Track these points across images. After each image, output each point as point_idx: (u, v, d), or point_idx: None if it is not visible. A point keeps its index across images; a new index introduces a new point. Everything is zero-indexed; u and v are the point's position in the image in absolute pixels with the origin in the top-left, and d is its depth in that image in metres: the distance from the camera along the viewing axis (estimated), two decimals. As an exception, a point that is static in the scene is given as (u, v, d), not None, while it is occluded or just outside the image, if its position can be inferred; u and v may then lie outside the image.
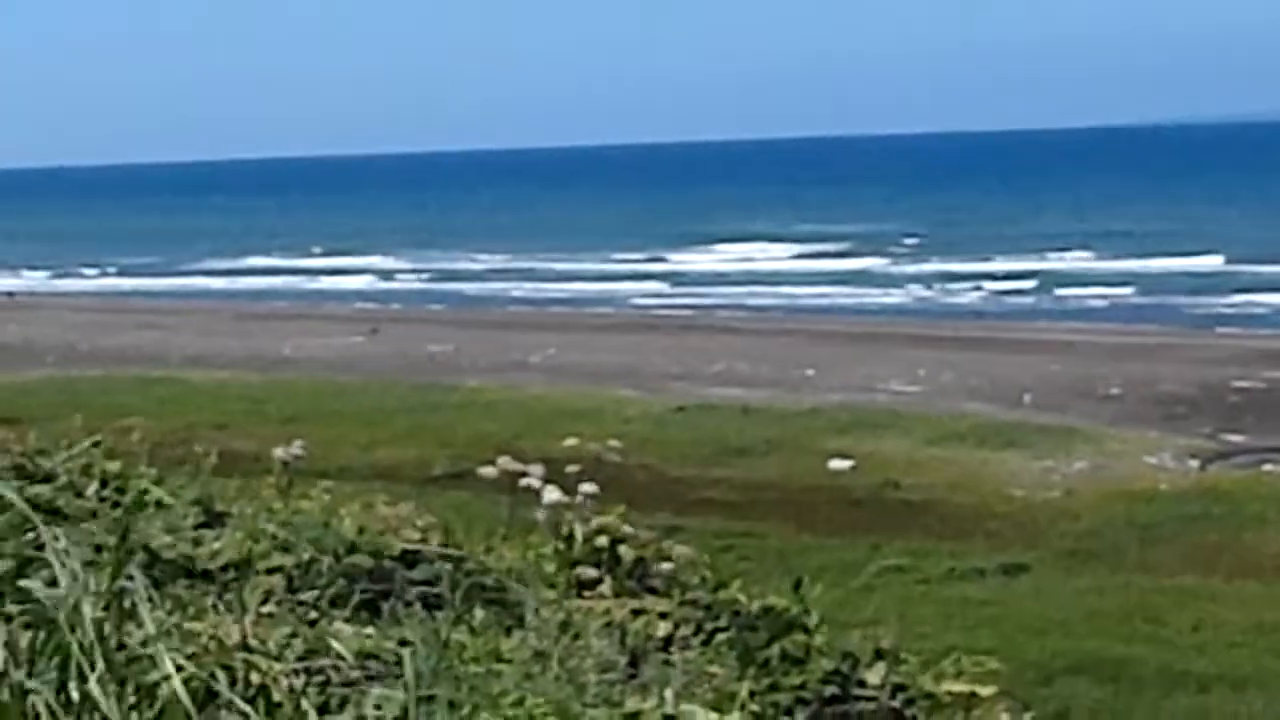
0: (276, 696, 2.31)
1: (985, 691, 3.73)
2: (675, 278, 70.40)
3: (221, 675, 2.23)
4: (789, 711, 3.24)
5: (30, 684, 2.08)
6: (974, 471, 27.94)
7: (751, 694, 3.11)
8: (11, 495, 2.48)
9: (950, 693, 3.66)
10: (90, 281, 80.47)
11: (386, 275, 75.84)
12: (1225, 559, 22.64)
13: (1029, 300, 59.59)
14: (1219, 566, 22.21)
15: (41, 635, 2.17)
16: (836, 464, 28.18)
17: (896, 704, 3.56)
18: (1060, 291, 59.89)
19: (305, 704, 2.31)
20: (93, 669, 2.11)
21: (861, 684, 3.59)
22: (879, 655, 3.68)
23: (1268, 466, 28.51)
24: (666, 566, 4.01)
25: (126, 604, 2.28)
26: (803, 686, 3.48)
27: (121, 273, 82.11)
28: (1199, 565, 22.29)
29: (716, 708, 3.04)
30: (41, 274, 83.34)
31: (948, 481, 27.28)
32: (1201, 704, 16.26)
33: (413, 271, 77.19)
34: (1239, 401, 34.37)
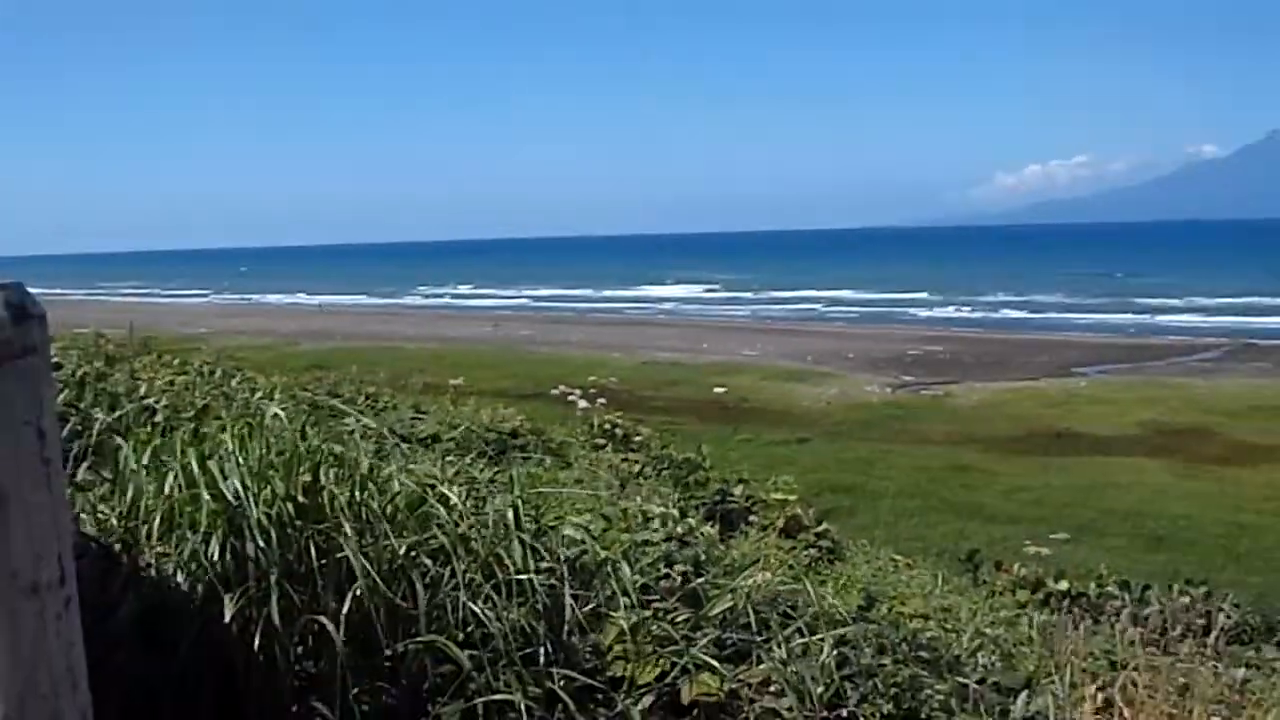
0: (452, 499, 3.96)
1: (791, 498, 6.40)
2: (643, 298, 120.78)
3: (426, 490, 4.30)
4: (697, 509, 5.66)
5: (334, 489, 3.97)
6: (784, 393, 45.94)
7: (679, 500, 5.51)
8: (328, 401, 4.42)
9: (774, 499, 6.26)
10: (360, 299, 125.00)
11: (501, 298, 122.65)
12: (903, 436, 38.16)
13: (816, 308, 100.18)
14: (900, 439, 37.47)
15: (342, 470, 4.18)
16: (718, 390, 46.28)
17: (749, 505, 6.20)
18: (830, 308, 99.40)
19: (461, 503, 3.96)
20: (365, 486, 4.07)
21: (732, 495, 6.21)
22: (740, 481, 6.35)
23: (924, 392, 47.11)
24: (639, 438, 6.60)
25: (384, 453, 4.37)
26: (704, 498, 6.02)
27: (378, 295, 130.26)
28: (891, 439, 37.58)
29: (663, 505, 5.46)
30: (342, 295, 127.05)
31: (771, 398, 45.04)
32: (890, 504, 27.59)
33: (514, 296, 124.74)
34: (909, 360, 56.94)
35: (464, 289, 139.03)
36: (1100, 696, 3.54)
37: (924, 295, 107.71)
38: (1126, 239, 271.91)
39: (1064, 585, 5.90)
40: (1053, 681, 3.48)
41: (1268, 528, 26.67)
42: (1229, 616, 5.60)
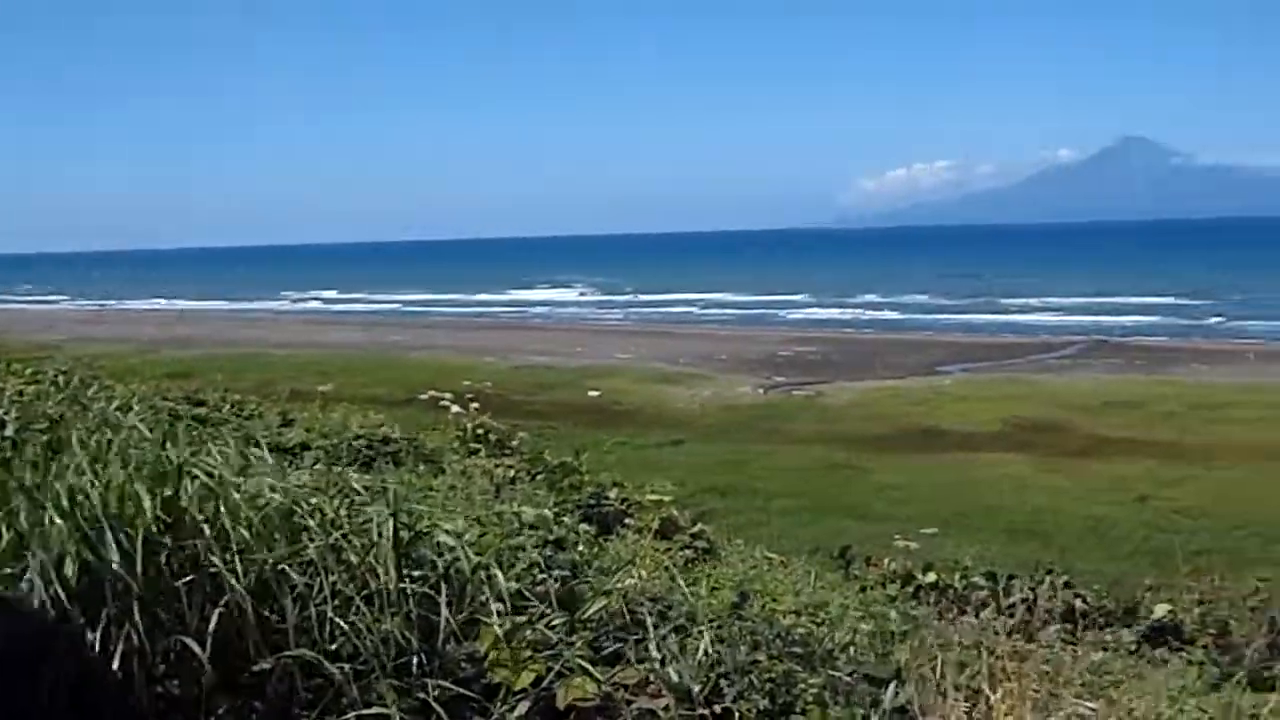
0: (323, 509, 3.80)
1: (666, 499, 6.45)
2: (517, 302, 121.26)
3: (295, 501, 4.22)
4: (572, 512, 5.65)
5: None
6: (658, 396, 46.41)
7: (554, 504, 5.50)
8: (191, 410, 4.27)
9: (649, 501, 6.30)
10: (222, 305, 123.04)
11: (372, 303, 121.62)
12: (775, 436, 38.89)
13: (691, 311, 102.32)
14: (773, 439, 38.24)
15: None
16: (592, 393, 46.45)
17: (624, 507, 6.23)
18: (704, 311, 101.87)
19: (335, 513, 3.82)
20: (231, 499, 3.93)
21: (607, 498, 6.23)
22: (615, 483, 6.37)
23: (796, 392, 47.86)
24: (513, 442, 6.55)
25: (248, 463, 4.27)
26: (578, 501, 6.01)
27: (241, 300, 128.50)
28: (765, 439, 38.33)
29: (537, 509, 5.44)
30: (204, 301, 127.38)
31: (645, 400, 45.36)
32: (764, 504, 29.20)
33: (385, 301, 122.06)
34: (780, 361, 58.08)
35: (330, 294, 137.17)
36: (968, 684, 3.63)
37: (795, 297, 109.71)
38: (988, 241, 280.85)
39: (932, 578, 6.07)
40: (921, 671, 3.56)
41: (1122, 518, 27.84)
42: (1087, 603, 5.83)
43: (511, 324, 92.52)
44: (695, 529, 6.89)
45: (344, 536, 3.57)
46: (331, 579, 3.40)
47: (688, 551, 6.44)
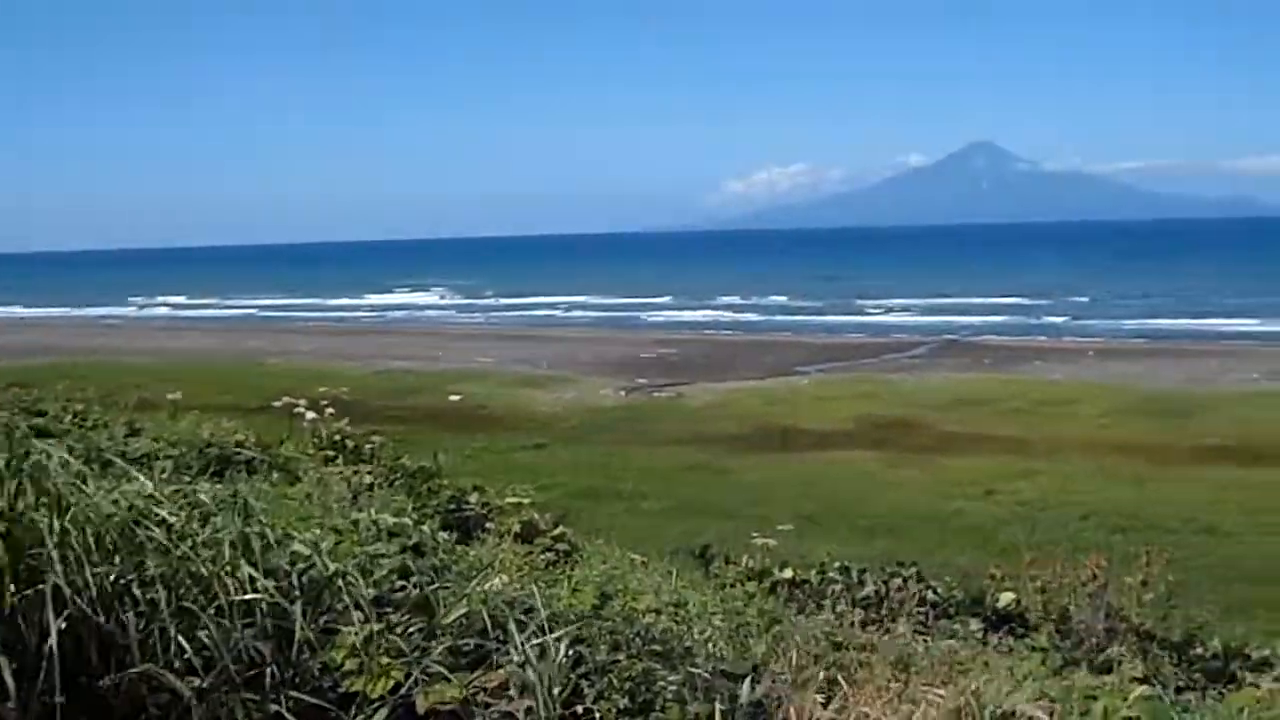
0: (170, 521, 3.57)
1: (526, 502, 6.44)
2: (376, 306, 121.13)
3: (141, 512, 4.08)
4: (432, 517, 5.60)
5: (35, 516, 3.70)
6: (520, 399, 46.55)
7: (413, 509, 5.44)
8: (28, 420, 4.10)
9: (510, 504, 6.29)
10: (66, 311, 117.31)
11: (225, 308, 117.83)
12: (638, 437, 39.19)
13: (553, 313, 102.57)
14: (635, 441, 38.57)
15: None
16: (454, 397, 46.48)
17: (485, 511, 6.20)
18: (567, 313, 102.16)
19: (181, 524, 3.56)
20: (71, 511, 3.81)
21: (468, 503, 6.19)
22: (476, 488, 6.33)
23: (658, 394, 48.46)
24: (370, 448, 6.41)
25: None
26: (438, 506, 5.96)
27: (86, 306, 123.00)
28: (627, 441, 38.63)
29: (396, 516, 5.39)
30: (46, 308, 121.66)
31: (508, 404, 45.41)
32: (627, 505, 29.26)
33: (239, 306, 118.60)
34: (643, 363, 58.67)
35: (179, 299, 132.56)
36: (824, 676, 3.71)
37: (658, 299, 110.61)
38: (842, 244, 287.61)
39: (789, 574, 6.20)
40: (778, 665, 3.64)
41: (971, 511, 28.86)
42: (937, 594, 6.04)
43: (370, 328, 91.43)
44: (557, 531, 6.89)
45: (192, 547, 3.48)
46: (179, 591, 3.31)
47: (549, 554, 6.44)
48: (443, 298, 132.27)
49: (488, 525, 6.63)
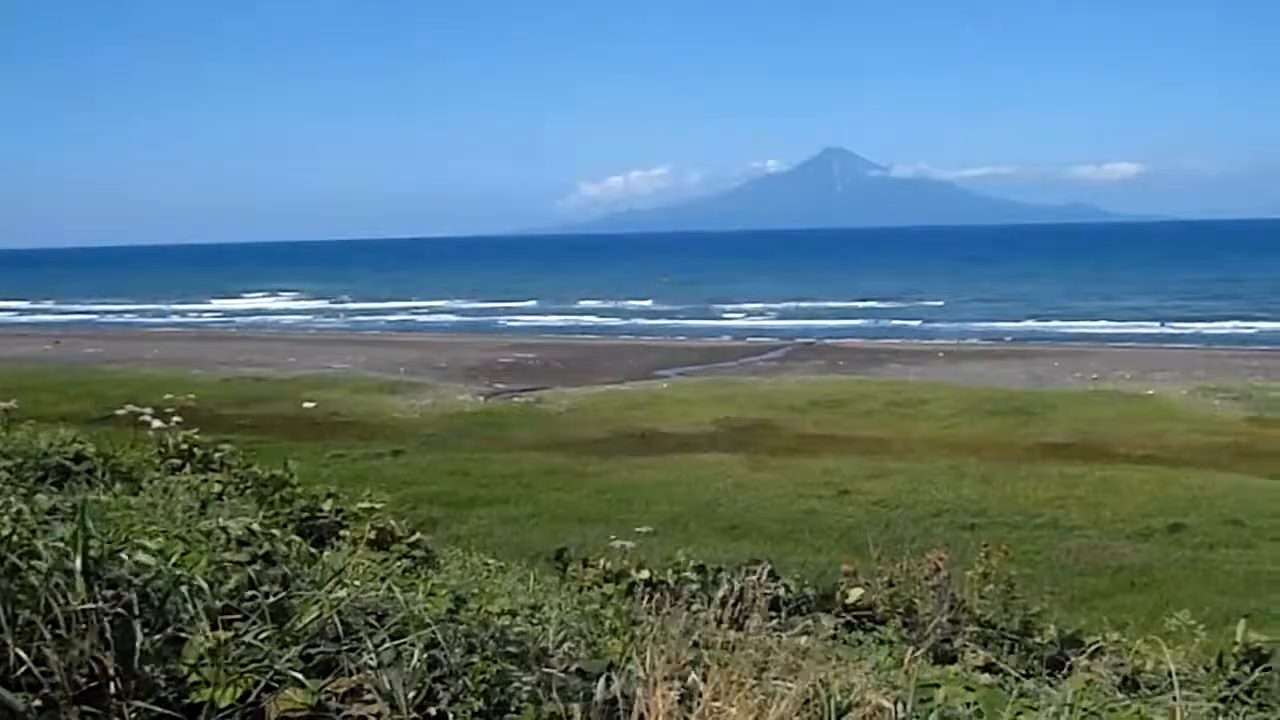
0: (4, 533, 3.79)
1: (379, 507, 6.39)
2: (225, 311, 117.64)
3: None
4: (284, 526, 5.51)
5: None
6: (376, 406, 45.80)
7: (265, 517, 5.34)
8: None
9: (364, 509, 6.22)
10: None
11: (62, 313, 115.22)
12: (496, 443, 39.05)
13: (409, 318, 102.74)
14: (494, 447, 38.38)
15: None
16: (307, 404, 45.48)
17: (339, 519, 6.12)
18: (423, 318, 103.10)
19: (15, 534, 3.79)
20: None
21: (321, 510, 6.09)
22: (330, 495, 6.24)
23: (516, 399, 48.52)
24: (219, 455, 6.23)
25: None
26: (290, 514, 5.85)
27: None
28: (486, 447, 38.43)
29: (247, 525, 5.30)
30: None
31: (364, 411, 44.58)
32: (486, 511, 29.42)
33: (78, 311, 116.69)
34: (500, 368, 58.55)
35: (20, 304, 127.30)
36: (677, 674, 3.78)
37: (516, 304, 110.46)
38: (702, 248, 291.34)
39: (646, 574, 6.28)
40: (633, 663, 3.70)
41: (826, 511, 29.50)
42: (790, 591, 6.20)
43: (219, 334, 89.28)
44: (413, 538, 6.84)
45: (23, 558, 3.37)
46: (12, 605, 3.20)
47: (405, 561, 6.39)
48: (295, 302, 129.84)
49: (342, 533, 6.54)
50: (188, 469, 6.88)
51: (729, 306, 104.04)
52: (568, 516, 28.71)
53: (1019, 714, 3.12)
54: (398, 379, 53.21)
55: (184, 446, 7.00)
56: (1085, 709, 3.44)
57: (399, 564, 6.06)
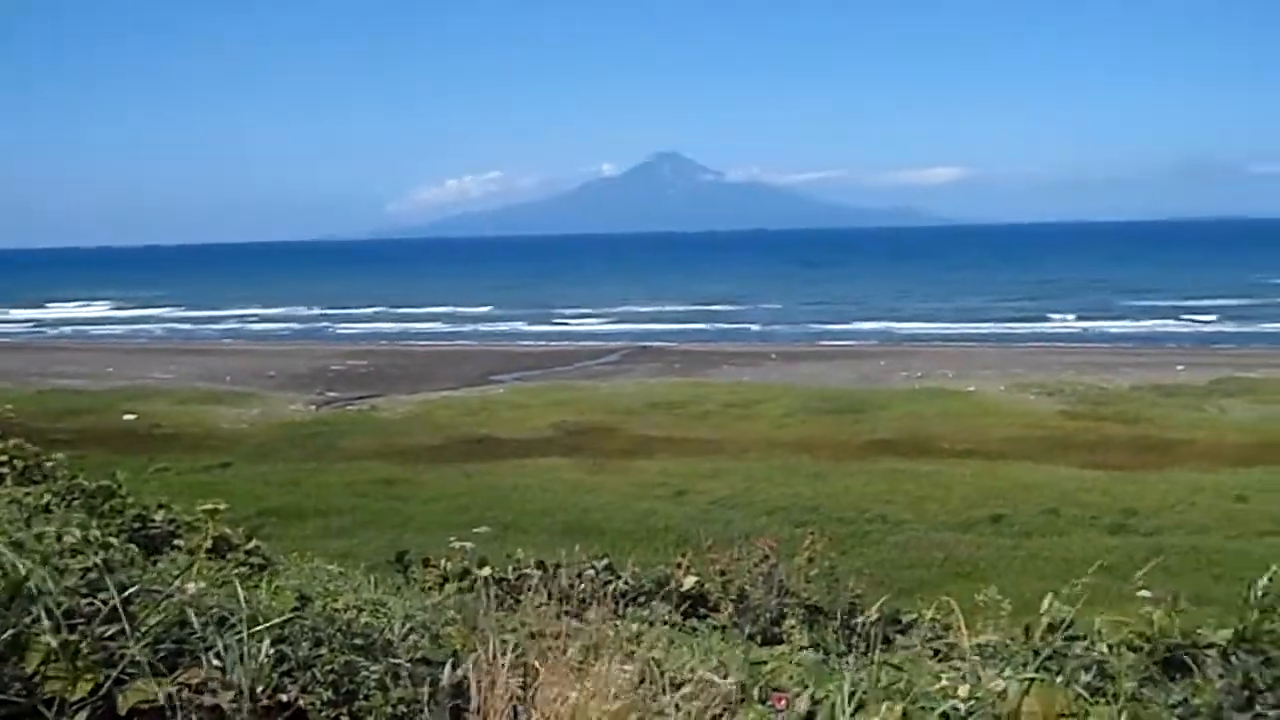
0: None
1: (221, 508, 6.42)
2: (36, 320, 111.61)
3: None
4: (117, 535, 5.48)
5: None
6: (203, 417, 44.61)
7: (96, 527, 5.31)
8: None
9: (207, 511, 6.24)
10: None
11: None
12: (330, 453, 38.63)
13: (235, 325, 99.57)
14: (327, 456, 37.98)
15: None
16: (128, 417, 44.22)
17: (173, 529, 6.11)
18: (250, 325, 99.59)
19: None
20: None
21: (154, 520, 6.08)
22: (161, 505, 6.22)
23: (349, 407, 47.80)
24: (48, 465, 6.11)
25: None
26: (121, 524, 5.81)
27: None
28: (319, 456, 38.04)
29: (80, 534, 5.28)
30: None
31: (189, 422, 43.31)
32: (322, 522, 29.11)
33: None
34: (333, 376, 57.85)
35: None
36: (520, 660, 3.98)
37: (347, 310, 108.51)
38: (536, 252, 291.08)
39: (488, 571, 6.45)
40: (476, 652, 3.88)
41: (665, 511, 30.04)
42: (627, 583, 6.47)
43: (31, 344, 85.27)
44: (250, 545, 6.84)
45: None
46: None
47: (244, 569, 6.39)
48: (116, 310, 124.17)
49: (177, 542, 6.50)
50: (9, 480, 6.70)
51: (565, 311, 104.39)
52: (406, 525, 28.54)
53: (835, 680, 3.43)
54: (225, 389, 51.74)
55: (4, 457, 6.80)
56: (894, 666, 3.78)
57: (237, 571, 6.06)
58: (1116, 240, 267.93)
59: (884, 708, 3.03)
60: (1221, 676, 3.24)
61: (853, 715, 3.03)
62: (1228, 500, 30.22)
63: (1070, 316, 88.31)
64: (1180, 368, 54.07)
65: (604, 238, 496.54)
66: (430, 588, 6.32)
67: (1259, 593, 3.36)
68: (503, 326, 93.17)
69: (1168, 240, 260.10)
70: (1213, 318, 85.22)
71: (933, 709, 3.03)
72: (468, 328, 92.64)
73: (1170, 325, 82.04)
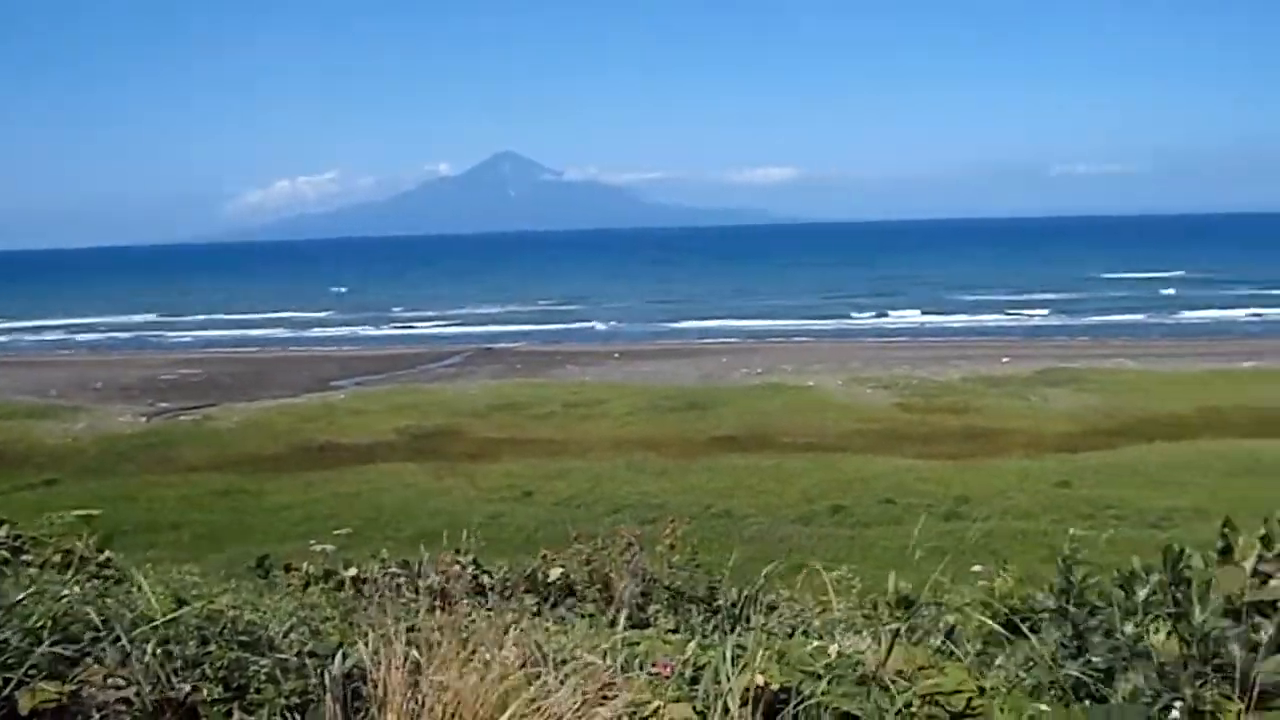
0: None
1: (85, 513, 6.33)
2: None
3: None
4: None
5: None
6: (22, 432, 42.50)
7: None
8: None
9: (80, 518, 6.17)
10: None
11: None
12: (164, 465, 37.50)
13: (56, 336, 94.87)
14: (161, 469, 36.86)
15: None
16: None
17: (17, 543, 5.99)
18: (73, 336, 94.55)
19: None
20: None
21: None
22: (2, 521, 6.06)
23: (183, 417, 46.56)
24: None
25: None
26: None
27: None
28: (152, 469, 36.91)
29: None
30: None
31: (11, 439, 41.25)
32: (157, 538, 27.86)
33: None
34: (164, 386, 56.11)
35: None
36: (401, 652, 4.13)
37: (178, 317, 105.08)
38: (375, 254, 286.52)
39: (354, 571, 6.51)
40: (357, 646, 4.01)
41: (512, 513, 30.19)
42: (493, 577, 6.62)
43: None
44: (102, 558, 6.74)
45: None
46: None
47: (97, 582, 6.31)
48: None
49: (24, 557, 6.35)
50: None
51: (406, 314, 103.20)
52: (248, 537, 27.93)
53: (715, 649, 3.68)
54: (47, 402, 49.60)
55: None
56: (768, 632, 4.06)
57: (91, 584, 5.96)
58: (940, 238, 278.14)
59: (763, 663, 3.29)
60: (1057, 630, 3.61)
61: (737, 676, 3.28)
62: (1052, 486, 31.88)
63: (907, 312, 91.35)
64: (1006, 360, 56.64)
65: (444, 238, 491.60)
66: (295, 590, 6.35)
67: (1067, 550, 3.74)
68: (342, 331, 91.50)
69: (982, 238, 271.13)
70: (1040, 312, 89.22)
71: (807, 668, 3.30)
72: (306, 333, 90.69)
73: (999, 319, 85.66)
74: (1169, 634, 3.07)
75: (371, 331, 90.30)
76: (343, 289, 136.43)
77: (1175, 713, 2.82)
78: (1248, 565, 3.23)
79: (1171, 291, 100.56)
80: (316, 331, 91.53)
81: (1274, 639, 3.03)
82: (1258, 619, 3.18)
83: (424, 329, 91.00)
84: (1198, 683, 2.84)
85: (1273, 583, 3.34)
